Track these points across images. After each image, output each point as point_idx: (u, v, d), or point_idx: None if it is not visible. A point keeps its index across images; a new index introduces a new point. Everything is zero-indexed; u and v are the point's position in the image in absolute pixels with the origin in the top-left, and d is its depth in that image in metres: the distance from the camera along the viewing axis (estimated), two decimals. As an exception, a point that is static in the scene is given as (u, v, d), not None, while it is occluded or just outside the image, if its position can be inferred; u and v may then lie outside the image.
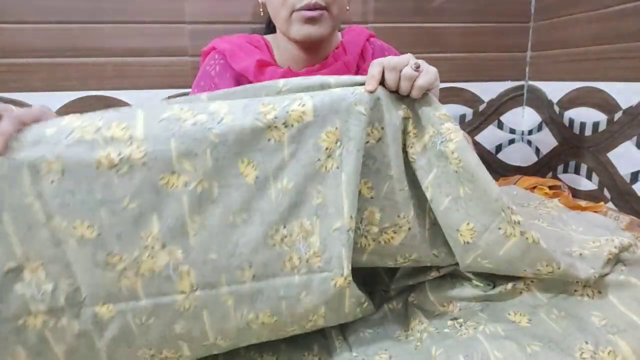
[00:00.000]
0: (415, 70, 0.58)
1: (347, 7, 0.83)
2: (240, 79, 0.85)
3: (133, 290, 0.53)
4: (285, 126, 0.55)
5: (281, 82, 0.60)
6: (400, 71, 0.58)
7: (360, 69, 0.89)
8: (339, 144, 0.57)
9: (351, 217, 0.57)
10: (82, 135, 0.50)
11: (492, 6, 1.30)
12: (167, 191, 0.52)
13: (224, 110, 0.54)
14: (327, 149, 0.57)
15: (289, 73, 0.82)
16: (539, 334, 0.58)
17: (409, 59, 0.59)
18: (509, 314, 0.63)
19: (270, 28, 0.93)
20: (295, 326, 0.60)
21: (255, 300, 0.56)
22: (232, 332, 0.57)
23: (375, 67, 0.59)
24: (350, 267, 0.57)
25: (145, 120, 0.52)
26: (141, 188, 0.51)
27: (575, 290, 0.62)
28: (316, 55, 0.85)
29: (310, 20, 0.76)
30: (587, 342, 0.55)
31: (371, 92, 0.58)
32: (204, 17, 1.20)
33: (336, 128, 0.57)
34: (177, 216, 0.53)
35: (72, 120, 0.52)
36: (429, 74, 0.59)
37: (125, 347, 0.54)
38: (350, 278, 0.58)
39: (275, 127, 0.55)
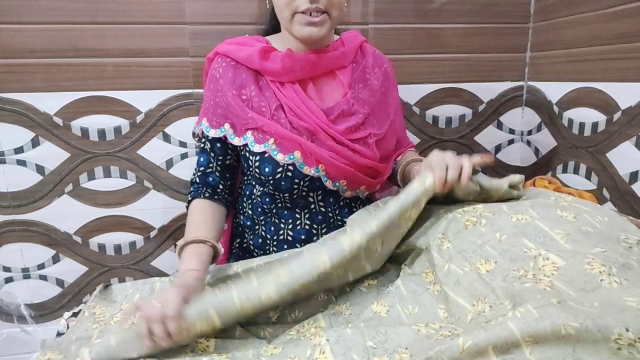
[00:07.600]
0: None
1: (345, 4, 0.88)
2: (241, 73, 0.89)
3: None
4: None
5: None
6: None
7: (358, 63, 0.94)
8: None
9: None
10: None
11: (491, 7, 1.30)
12: None
13: None
14: None
15: (289, 55, 0.87)
16: None
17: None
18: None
19: (270, 29, 0.96)
20: None
21: None
22: None
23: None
24: None
25: None
26: None
27: None
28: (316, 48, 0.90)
29: (312, 24, 0.82)
30: None
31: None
32: (204, 17, 1.20)
33: None
34: None
35: None
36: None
37: None
38: None
39: None
